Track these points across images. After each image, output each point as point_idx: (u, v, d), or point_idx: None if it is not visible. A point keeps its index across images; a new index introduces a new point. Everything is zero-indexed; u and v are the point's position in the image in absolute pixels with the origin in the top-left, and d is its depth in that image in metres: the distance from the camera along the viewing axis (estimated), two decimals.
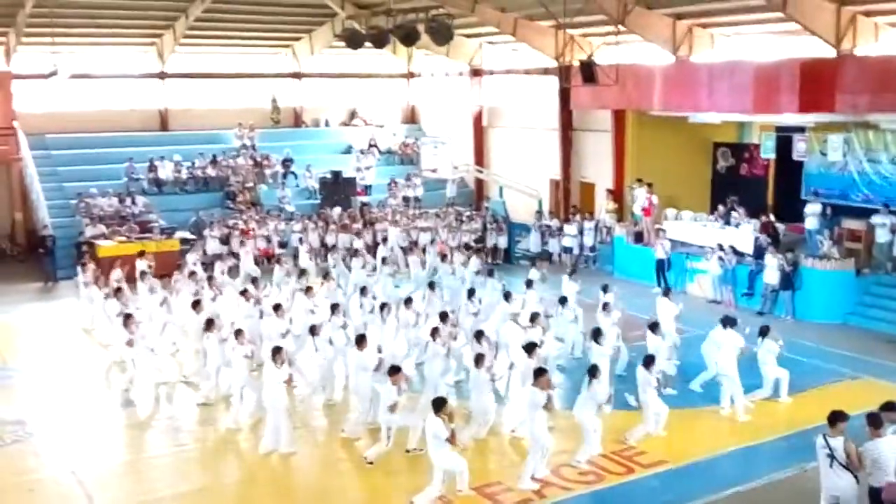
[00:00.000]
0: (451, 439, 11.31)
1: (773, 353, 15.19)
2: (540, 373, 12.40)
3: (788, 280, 21.09)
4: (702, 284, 23.28)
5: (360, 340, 14.55)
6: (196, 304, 17.44)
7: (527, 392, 12.58)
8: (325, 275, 20.99)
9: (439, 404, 11.48)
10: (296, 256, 25.95)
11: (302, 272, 21.41)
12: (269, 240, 28.08)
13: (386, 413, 12.86)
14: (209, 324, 15.97)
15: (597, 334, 15.38)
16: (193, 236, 27.79)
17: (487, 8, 29.02)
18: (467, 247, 26.73)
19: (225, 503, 12.32)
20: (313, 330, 15.78)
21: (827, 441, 9.56)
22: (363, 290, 18.85)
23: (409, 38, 17.45)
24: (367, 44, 18.81)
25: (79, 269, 22.31)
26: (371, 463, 12.98)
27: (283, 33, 35.50)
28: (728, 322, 15.17)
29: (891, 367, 17.17)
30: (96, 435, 14.61)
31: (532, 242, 28.56)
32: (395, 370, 13.09)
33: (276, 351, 13.78)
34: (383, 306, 17.36)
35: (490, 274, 21.18)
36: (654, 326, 15.80)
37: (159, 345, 17.32)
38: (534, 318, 16.36)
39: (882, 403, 9.98)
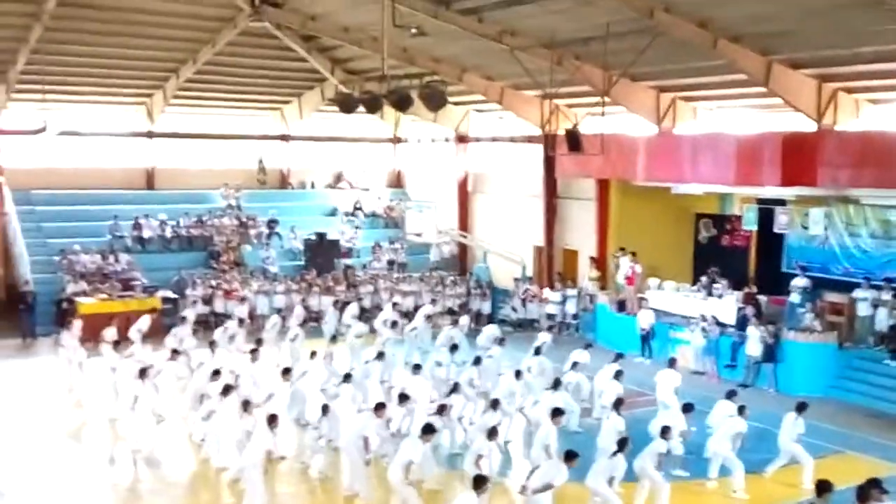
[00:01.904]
0: None
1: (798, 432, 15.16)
2: (571, 455, 12.32)
3: (771, 352, 21.18)
4: (685, 355, 23.29)
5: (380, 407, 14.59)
6: (217, 373, 17.31)
7: (550, 464, 12.39)
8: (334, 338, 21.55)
9: (480, 482, 11.23)
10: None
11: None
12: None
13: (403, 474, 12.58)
14: (227, 389, 15.79)
15: (618, 404, 15.33)
16: (175, 295, 27.66)
17: (475, 76, 29.49)
18: (451, 311, 26.86)
19: None
20: (325, 409, 15.54)
21: None
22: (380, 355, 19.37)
23: (403, 104, 17.59)
24: (360, 108, 18.99)
25: (64, 329, 21.90)
26: None
27: (273, 96, 35.82)
28: (742, 410, 15.11)
29: (872, 442, 17.22)
30: (74, 495, 14.35)
31: (512, 309, 28.76)
32: (429, 430, 12.91)
33: (273, 418, 13.71)
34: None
35: (500, 343, 21.12)
36: (687, 407, 15.71)
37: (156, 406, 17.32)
38: (557, 384, 16.51)
39: (868, 479, 10.01)
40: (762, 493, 14.59)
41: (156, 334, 22.37)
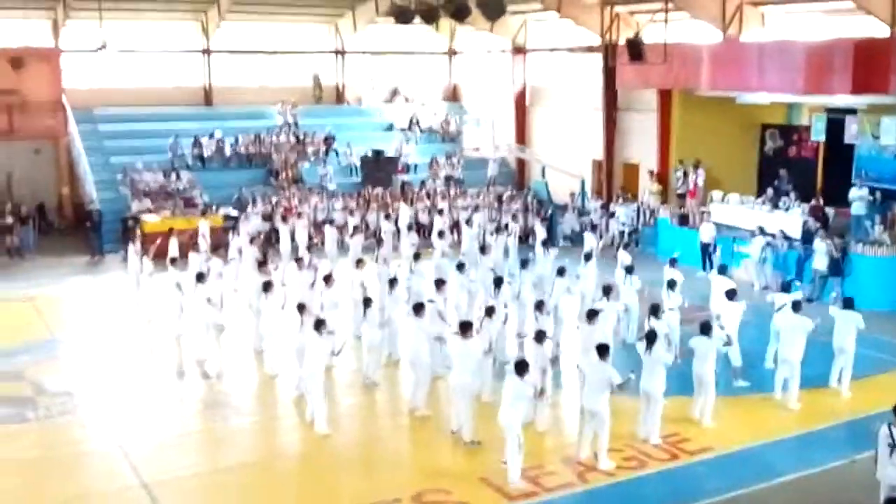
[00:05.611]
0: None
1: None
2: (603, 349, 12.19)
3: (837, 266, 20.72)
4: (748, 269, 22.94)
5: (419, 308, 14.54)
6: (262, 265, 17.86)
7: (598, 369, 12.10)
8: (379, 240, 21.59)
9: (523, 367, 11.54)
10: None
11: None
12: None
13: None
14: (267, 286, 16.29)
15: (655, 309, 14.95)
16: (237, 212, 27.92)
17: None
18: (507, 227, 26.77)
19: (274, 478, 12.29)
20: (367, 302, 15.60)
21: (891, 430, 9.44)
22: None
23: (460, 14, 17.21)
24: (417, 19, 18.61)
25: (130, 245, 21.79)
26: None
27: (327, 9, 35.40)
28: (797, 305, 14.70)
29: None
30: (143, 408, 14.76)
31: (568, 223, 28.49)
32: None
33: (319, 323, 13.73)
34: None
35: (545, 245, 21.13)
36: (731, 293, 15.68)
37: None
38: (607, 290, 16.17)
39: None
40: (822, 406, 14.40)
41: (217, 250, 22.67)
